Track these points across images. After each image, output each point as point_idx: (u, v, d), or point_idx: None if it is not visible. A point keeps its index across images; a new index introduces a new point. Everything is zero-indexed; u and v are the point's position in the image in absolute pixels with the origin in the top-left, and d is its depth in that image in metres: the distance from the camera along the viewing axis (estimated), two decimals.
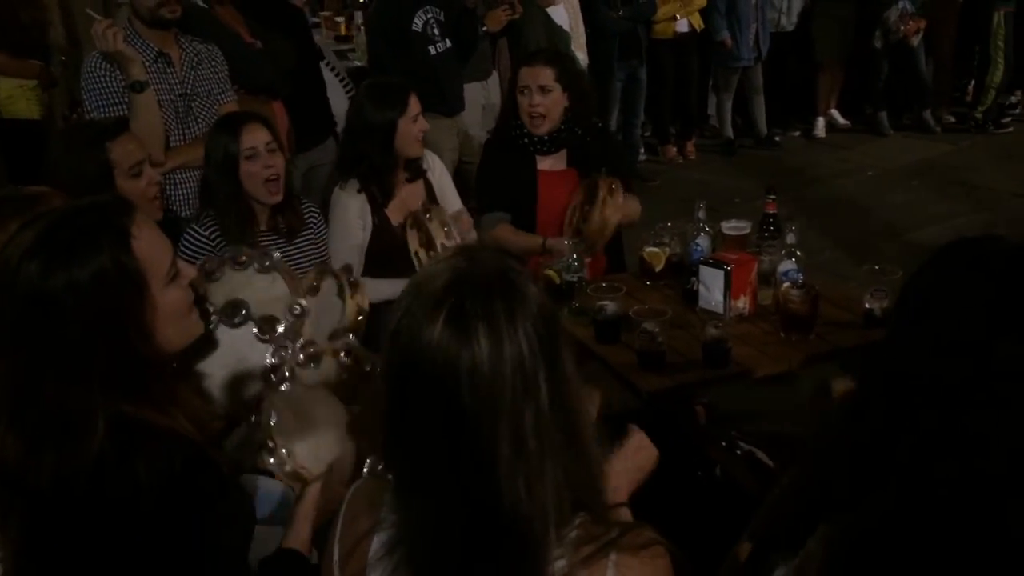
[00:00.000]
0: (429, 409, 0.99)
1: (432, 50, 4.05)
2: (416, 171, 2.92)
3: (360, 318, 2.04)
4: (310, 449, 1.50)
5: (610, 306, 2.49)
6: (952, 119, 7.04)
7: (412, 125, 2.82)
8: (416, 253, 2.78)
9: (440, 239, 2.70)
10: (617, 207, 2.88)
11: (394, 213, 2.87)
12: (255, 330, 1.63)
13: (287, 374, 1.55)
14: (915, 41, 6.64)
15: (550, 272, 2.71)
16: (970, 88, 7.26)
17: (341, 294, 2.04)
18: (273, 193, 2.49)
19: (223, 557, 1.28)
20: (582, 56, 5.52)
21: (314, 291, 1.83)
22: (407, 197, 2.89)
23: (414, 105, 2.83)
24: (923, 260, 1.04)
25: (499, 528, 0.97)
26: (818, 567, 1.07)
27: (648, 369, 2.34)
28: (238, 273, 1.71)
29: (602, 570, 0.98)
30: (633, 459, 1.35)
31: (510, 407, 0.96)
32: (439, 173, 3.06)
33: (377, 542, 1.05)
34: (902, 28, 6.55)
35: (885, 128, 6.97)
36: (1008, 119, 6.84)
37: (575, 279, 2.72)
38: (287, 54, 3.42)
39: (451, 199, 3.07)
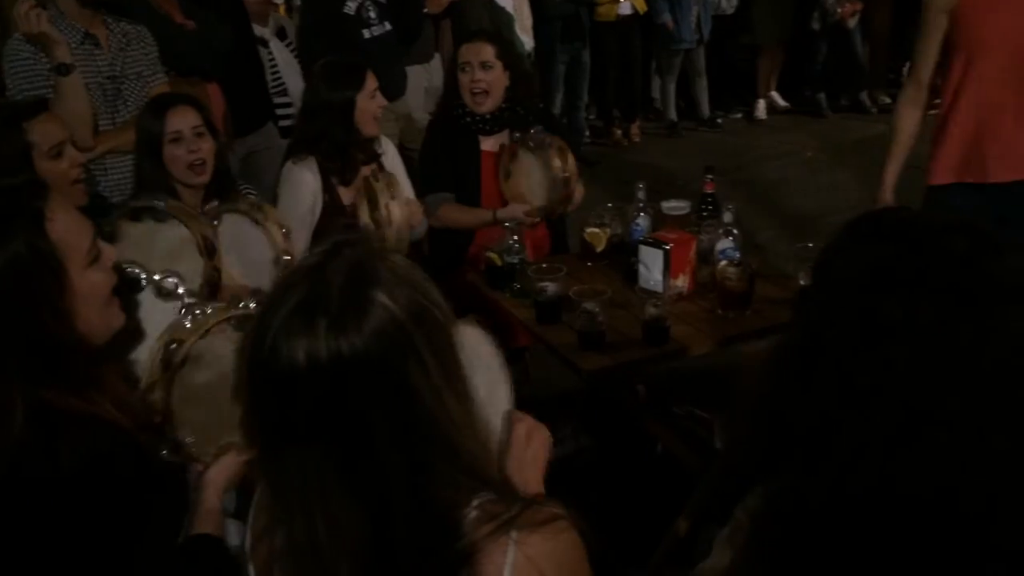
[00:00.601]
0: (269, 407, 0.96)
1: (367, 34, 3.97)
2: (371, 154, 2.90)
3: (286, 238, 2.01)
4: (205, 437, 1.46)
5: (551, 287, 2.50)
6: (888, 100, 7.17)
7: (371, 102, 2.81)
8: (366, 226, 2.76)
9: (384, 200, 2.70)
10: (562, 162, 2.88)
11: (345, 194, 2.85)
12: (155, 292, 1.57)
13: (185, 354, 1.49)
14: (852, 24, 6.76)
15: (491, 254, 2.71)
16: (905, 69, 7.40)
17: (257, 223, 2.00)
18: (199, 174, 2.45)
19: (154, 543, 1.26)
20: (527, 39, 5.50)
21: (211, 227, 1.79)
22: (360, 179, 2.87)
23: (371, 81, 2.82)
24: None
25: (373, 536, 0.94)
26: (745, 538, 1.09)
27: (588, 349, 2.36)
28: (136, 227, 1.66)
29: (502, 548, 0.95)
30: (529, 449, 1.28)
31: (345, 411, 0.93)
32: (392, 156, 3.05)
33: (280, 535, 1.02)
34: (839, 11, 6.66)
35: (823, 109, 7.09)
36: (940, 100, 6.99)
37: (516, 260, 2.72)
38: (222, 36, 3.34)
39: (403, 184, 3.06)
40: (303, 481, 0.95)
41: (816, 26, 6.76)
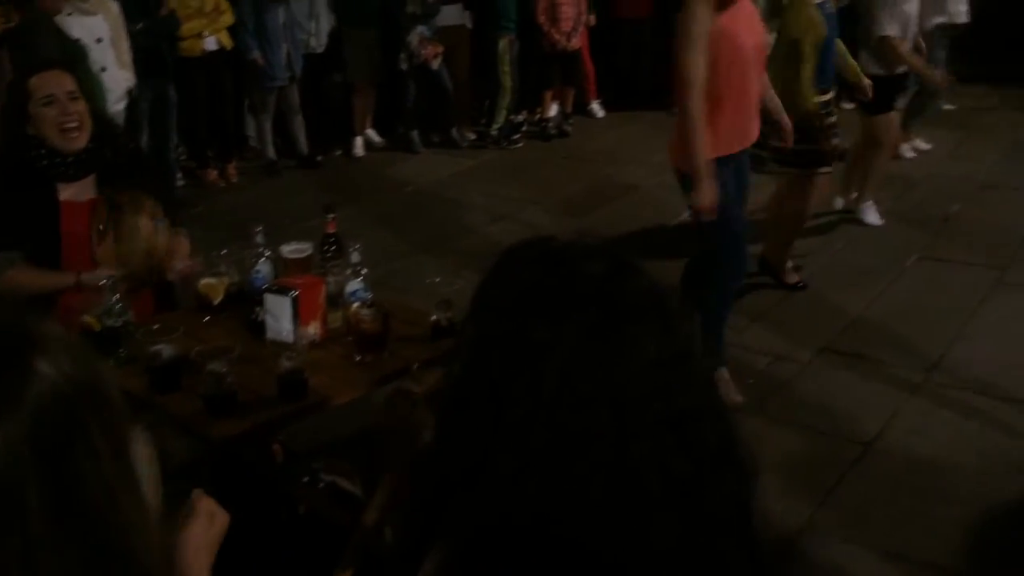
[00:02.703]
0: None
1: None
2: None
3: None
4: None
5: (166, 349, 2.22)
6: (473, 136, 7.71)
7: None
8: None
9: None
10: (153, 227, 2.59)
11: None
12: None
13: None
14: (435, 65, 7.14)
15: (88, 319, 2.34)
16: (485, 107, 8.01)
17: None
18: None
19: None
20: (128, 75, 5.16)
21: None
22: None
23: None
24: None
25: None
26: None
27: (218, 414, 2.13)
28: None
29: None
30: (208, 532, 1.18)
31: None
32: None
33: None
34: (423, 52, 7.00)
35: (416, 146, 7.37)
36: (517, 136, 7.68)
37: (119, 323, 2.38)
38: None
39: None
40: None
41: (404, 66, 7.03)
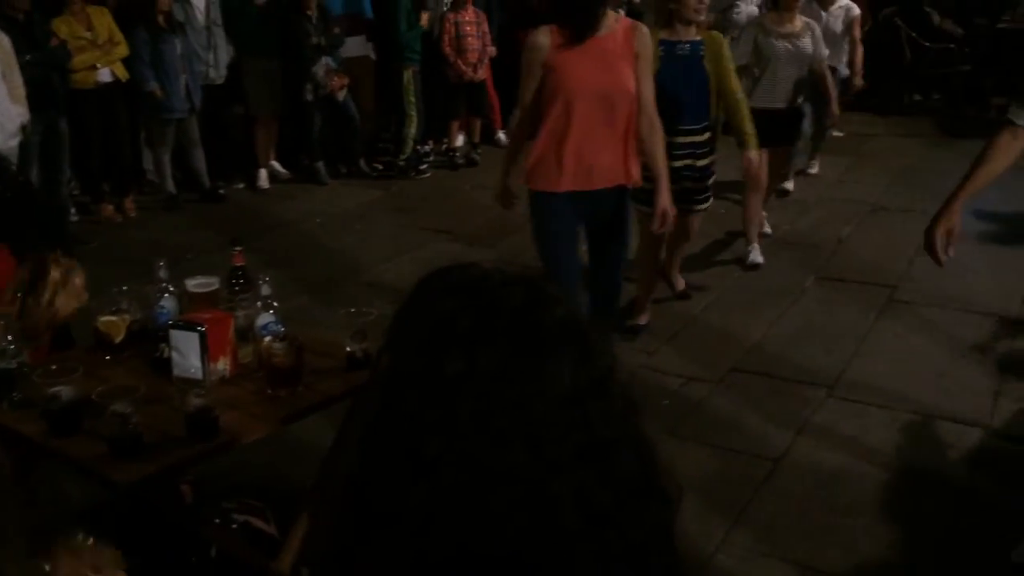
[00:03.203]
0: None
1: None
2: None
3: None
4: None
5: (65, 391, 2.11)
6: (380, 167, 7.67)
7: None
8: None
9: None
10: (74, 293, 2.46)
11: None
12: None
13: None
14: (341, 96, 7.09)
15: None
16: (391, 138, 7.99)
17: None
18: None
19: None
20: (22, 109, 5.01)
21: None
22: None
23: None
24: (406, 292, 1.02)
25: None
26: None
27: (123, 457, 2.02)
28: None
29: None
30: None
31: None
32: None
33: None
34: (329, 84, 6.95)
35: (323, 177, 7.29)
36: (425, 166, 7.67)
37: (13, 365, 2.25)
38: None
39: None
40: None
41: (310, 97, 6.96)
